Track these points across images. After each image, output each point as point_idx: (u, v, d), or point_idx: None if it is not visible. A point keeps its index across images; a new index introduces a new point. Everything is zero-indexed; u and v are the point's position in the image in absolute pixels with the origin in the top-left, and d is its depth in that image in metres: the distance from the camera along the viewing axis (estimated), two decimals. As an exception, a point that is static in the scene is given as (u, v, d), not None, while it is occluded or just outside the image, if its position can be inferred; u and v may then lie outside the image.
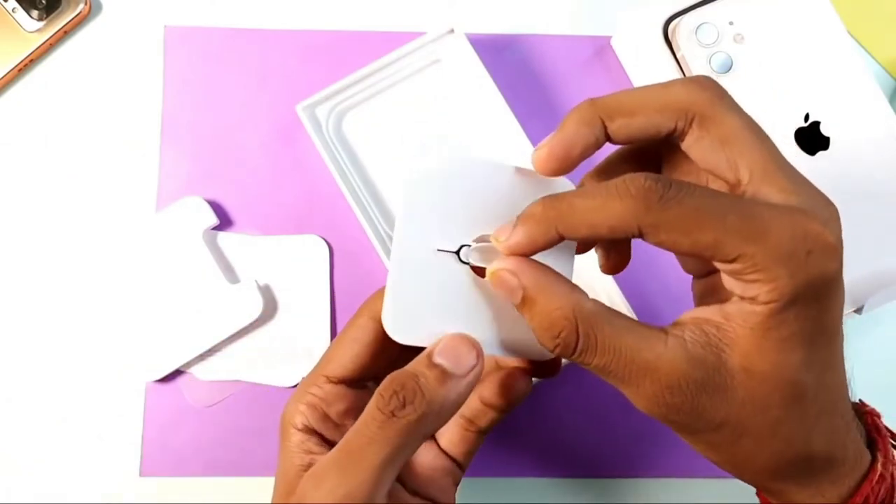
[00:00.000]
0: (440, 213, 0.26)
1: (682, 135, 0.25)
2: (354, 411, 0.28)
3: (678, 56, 0.40)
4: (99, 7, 0.44)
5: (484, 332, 0.26)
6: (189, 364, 0.41)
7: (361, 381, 0.29)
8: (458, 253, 0.26)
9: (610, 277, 0.40)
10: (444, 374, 0.25)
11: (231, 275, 0.42)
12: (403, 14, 0.45)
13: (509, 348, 0.27)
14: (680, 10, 0.41)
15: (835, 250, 0.23)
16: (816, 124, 0.40)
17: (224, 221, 0.42)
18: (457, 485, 0.31)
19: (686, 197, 0.22)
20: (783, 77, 0.40)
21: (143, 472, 0.41)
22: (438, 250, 0.26)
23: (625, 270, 0.42)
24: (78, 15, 0.43)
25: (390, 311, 0.26)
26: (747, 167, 0.24)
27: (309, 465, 0.27)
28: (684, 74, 0.40)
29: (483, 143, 0.42)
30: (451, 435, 0.31)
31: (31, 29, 0.42)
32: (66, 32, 0.43)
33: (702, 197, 0.22)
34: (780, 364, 0.23)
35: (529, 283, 0.24)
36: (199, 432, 0.41)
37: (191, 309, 0.41)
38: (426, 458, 0.30)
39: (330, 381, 0.29)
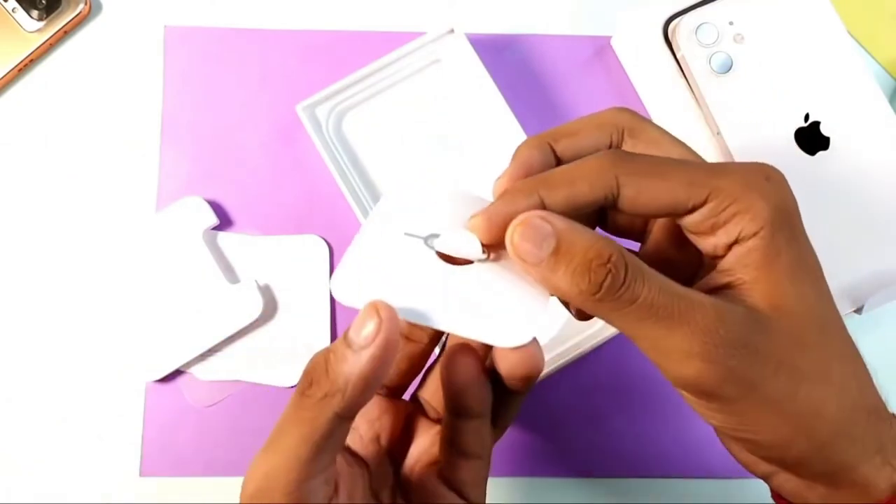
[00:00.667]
0: (414, 216, 0.27)
1: (618, 145, 0.27)
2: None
3: (678, 56, 0.40)
4: (99, 7, 0.44)
5: (438, 311, 0.26)
6: (189, 364, 0.41)
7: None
8: (425, 239, 0.27)
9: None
10: (348, 347, 0.24)
11: (231, 275, 0.42)
12: (403, 14, 0.45)
13: (481, 334, 0.26)
14: (680, 10, 0.41)
15: (784, 179, 0.24)
16: (816, 124, 0.40)
17: (224, 221, 0.42)
18: (485, 480, 0.31)
19: (651, 154, 0.25)
20: (783, 77, 0.40)
21: (143, 472, 0.41)
22: (406, 234, 0.27)
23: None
24: (78, 15, 0.43)
25: (341, 273, 0.26)
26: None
27: None
28: (684, 74, 0.40)
29: (483, 143, 0.42)
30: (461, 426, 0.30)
31: (31, 29, 0.42)
32: (66, 32, 0.43)
33: (665, 155, 0.25)
34: (800, 295, 0.23)
35: (563, 226, 0.23)
36: (199, 432, 0.41)
37: (191, 309, 0.41)
38: (437, 489, 0.30)
39: None
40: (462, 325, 0.25)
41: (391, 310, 0.24)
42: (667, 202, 0.23)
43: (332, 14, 0.45)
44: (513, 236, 0.23)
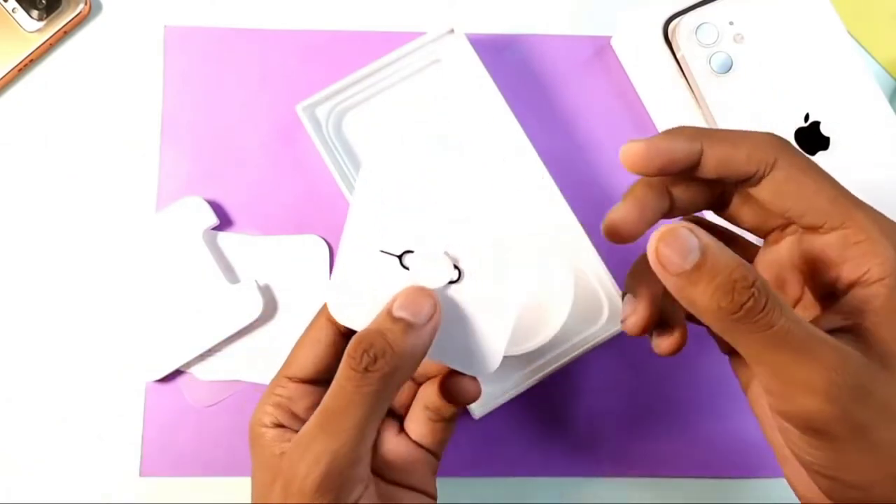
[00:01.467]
0: (394, 210, 0.27)
1: (761, 177, 0.26)
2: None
3: (678, 56, 0.40)
4: (99, 7, 0.44)
5: None
6: (189, 364, 0.41)
7: (324, 381, 0.30)
8: (400, 257, 0.27)
9: (607, 273, 0.40)
10: (408, 326, 0.26)
11: (231, 275, 0.42)
12: (403, 14, 0.45)
13: (440, 353, 0.28)
14: (680, 10, 0.41)
15: None
16: (816, 124, 0.40)
17: (224, 221, 0.42)
18: (435, 473, 0.32)
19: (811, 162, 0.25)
20: (783, 77, 0.40)
21: (143, 472, 0.41)
22: (381, 251, 0.27)
23: (624, 268, 0.42)
24: (78, 15, 0.43)
25: (334, 293, 0.27)
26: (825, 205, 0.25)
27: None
28: (684, 74, 0.40)
29: (483, 143, 0.42)
30: (419, 427, 0.31)
31: (31, 29, 0.42)
32: (66, 32, 0.43)
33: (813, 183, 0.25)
34: None
35: (709, 242, 0.23)
36: (199, 432, 0.41)
37: (191, 309, 0.41)
38: (401, 450, 0.31)
39: (293, 381, 0.29)
40: (433, 350, 0.27)
41: (437, 296, 0.26)
42: (809, 208, 0.24)
43: (332, 14, 0.45)
44: (658, 244, 0.23)
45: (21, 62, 0.42)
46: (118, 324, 0.41)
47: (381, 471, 0.30)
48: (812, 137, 0.40)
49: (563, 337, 0.41)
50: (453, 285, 0.27)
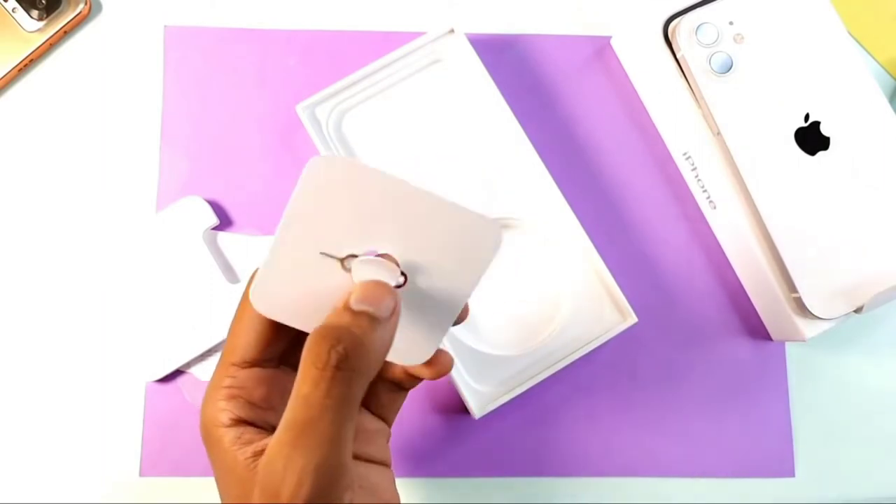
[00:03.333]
0: (336, 214, 0.26)
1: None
2: (280, 391, 0.28)
3: (678, 56, 0.40)
4: (99, 7, 0.44)
5: None
6: (189, 364, 0.41)
7: (270, 361, 0.28)
8: (342, 260, 0.26)
9: (607, 273, 0.40)
10: (373, 320, 0.24)
11: (231, 275, 0.42)
12: (403, 14, 0.45)
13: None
14: (680, 10, 0.41)
15: None
16: (816, 124, 0.40)
17: (224, 221, 0.42)
18: (388, 441, 0.31)
19: None
20: (783, 77, 0.40)
21: (143, 472, 0.41)
22: (322, 253, 0.26)
23: (624, 268, 0.43)
24: (78, 15, 0.43)
25: (259, 284, 0.26)
26: None
27: (256, 454, 0.26)
28: (684, 74, 0.40)
29: (483, 143, 0.42)
30: (376, 399, 0.31)
31: (31, 29, 0.42)
32: (66, 32, 0.43)
33: None
34: None
35: None
36: (199, 432, 0.41)
37: (191, 309, 0.41)
38: (359, 423, 0.30)
39: (241, 367, 0.28)
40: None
41: (395, 289, 0.25)
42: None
43: (332, 14, 0.45)
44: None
45: (21, 62, 0.42)
46: (118, 324, 0.41)
47: None
48: (812, 137, 0.40)
49: (564, 337, 0.41)
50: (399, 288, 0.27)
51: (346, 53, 0.44)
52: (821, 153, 0.40)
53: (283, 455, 0.23)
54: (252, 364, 0.28)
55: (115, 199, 0.43)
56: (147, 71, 0.44)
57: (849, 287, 0.39)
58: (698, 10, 0.40)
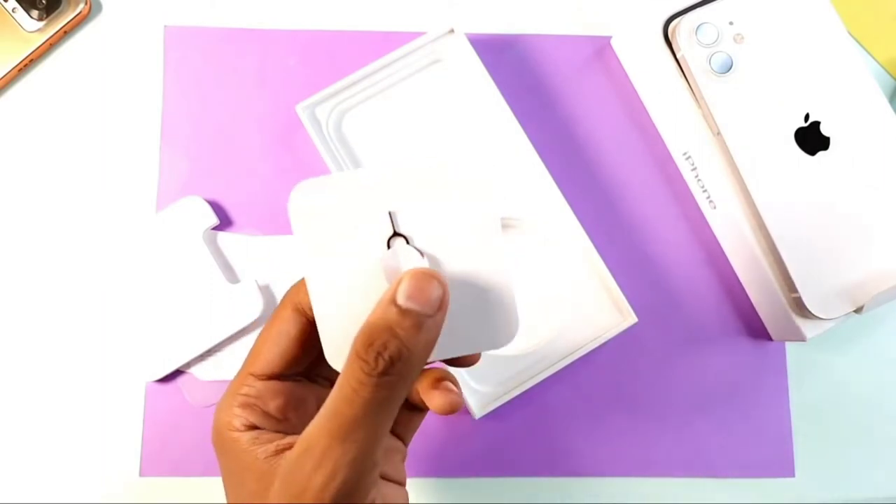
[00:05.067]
0: (431, 207, 0.25)
1: None
2: (295, 403, 0.28)
3: (678, 56, 0.40)
4: (99, 7, 0.44)
5: None
6: (189, 364, 0.41)
7: (292, 376, 0.29)
8: (394, 234, 0.25)
9: (607, 273, 0.40)
10: (418, 318, 0.24)
11: (231, 275, 0.42)
12: (403, 14, 0.45)
13: (451, 346, 0.27)
14: (680, 10, 0.41)
15: None
16: (816, 124, 0.40)
17: (224, 221, 0.42)
18: (405, 461, 0.31)
19: None
20: (783, 77, 0.40)
21: (143, 472, 0.41)
22: (389, 212, 0.25)
23: (624, 268, 0.43)
24: (78, 15, 0.43)
25: (328, 342, 0.26)
26: None
27: (279, 451, 0.26)
28: (684, 74, 0.40)
29: (483, 143, 0.42)
30: (398, 417, 0.30)
31: (31, 29, 0.42)
32: (66, 32, 0.43)
33: None
34: None
35: None
36: (199, 432, 0.41)
37: (191, 309, 0.41)
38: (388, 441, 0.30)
39: (259, 378, 0.28)
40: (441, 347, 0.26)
41: (436, 271, 0.25)
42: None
43: (332, 14, 0.45)
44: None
45: (21, 62, 0.42)
46: (118, 324, 0.41)
47: None
48: (812, 137, 0.40)
49: (564, 337, 0.41)
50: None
51: (346, 53, 0.44)
52: (821, 153, 0.40)
53: (321, 444, 0.24)
54: (272, 377, 0.28)
55: (115, 199, 0.43)
56: (147, 71, 0.44)
57: (849, 287, 0.39)
58: (698, 10, 0.40)
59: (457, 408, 0.28)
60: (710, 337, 0.43)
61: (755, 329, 0.43)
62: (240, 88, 0.43)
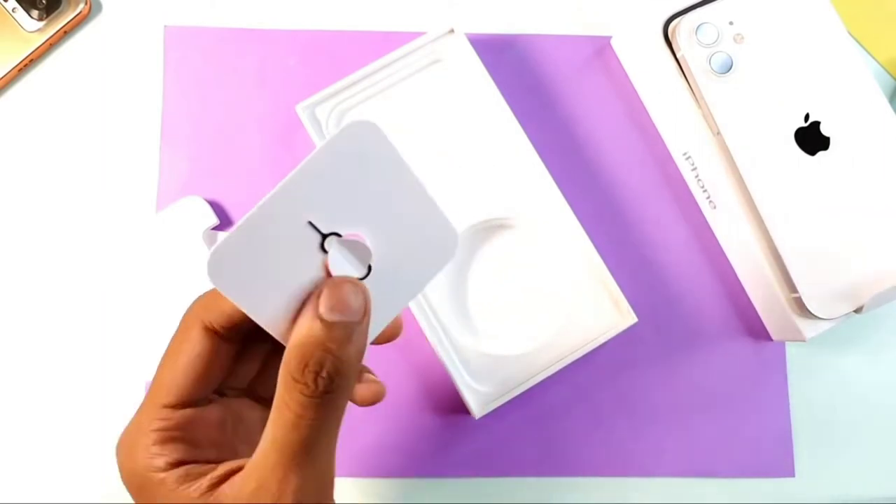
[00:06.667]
0: (341, 186, 0.24)
1: None
2: (218, 425, 0.26)
3: (678, 56, 0.40)
4: (99, 7, 0.44)
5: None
6: (189, 364, 0.41)
7: (204, 399, 0.27)
8: (322, 238, 0.24)
9: (607, 273, 0.40)
10: (347, 329, 0.23)
11: (231, 275, 0.42)
12: (403, 14, 0.45)
13: None
14: (680, 10, 0.41)
15: None
16: (816, 124, 0.40)
17: (224, 221, 0.42)
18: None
19: None
20: (783, 77, 0.40)
21: (143, 472, 0.41)
22: (309, 223, 0.24)
23: (624, 268, 0.43)
24: (78, 15, 0.43)
25: (221, 251, 0.23)
26: None
27: (213, 486, 0.24)
28: (684, 74, 0.40)
29: (483, 143, 0.42)
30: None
31: (31, 29, 0.42)
32: (66, 32, 0.43)
33: None
34: None
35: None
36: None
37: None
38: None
39: (176, 408, 0.26)
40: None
41: (353, 277, 0.24)
42: None
43: (332, 14, 0.45)
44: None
45: (21, 62, 0.42)
46: (118, 324, 0.41)
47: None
48: (812, 137, 0.40)
49: (564, 337, 0.41)
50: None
51: (346, 53, 0.44)
52: (821, 153, 0.40)
53: (276, 476, 0.23)
54: (188, 405, 0.26)
55: (115, 199, 0.43)
56: (147, 71, 0.44)
57: (849, 287, 0.39)
58: (698, 10, 0.40)
59: (381, 397, 0.27)
60: (710, 337, 0.43)
61: (755, 329, 0.43)
62: (240, 88, 0.43)
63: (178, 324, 0.27)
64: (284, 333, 0.24)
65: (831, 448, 0.43)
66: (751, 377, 0.43)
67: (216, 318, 0.26)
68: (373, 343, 0.26)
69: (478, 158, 0.42)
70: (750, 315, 0.43)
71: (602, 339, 0.40)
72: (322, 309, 0.23)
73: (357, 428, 0.41)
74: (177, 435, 0.25)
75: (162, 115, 0.43)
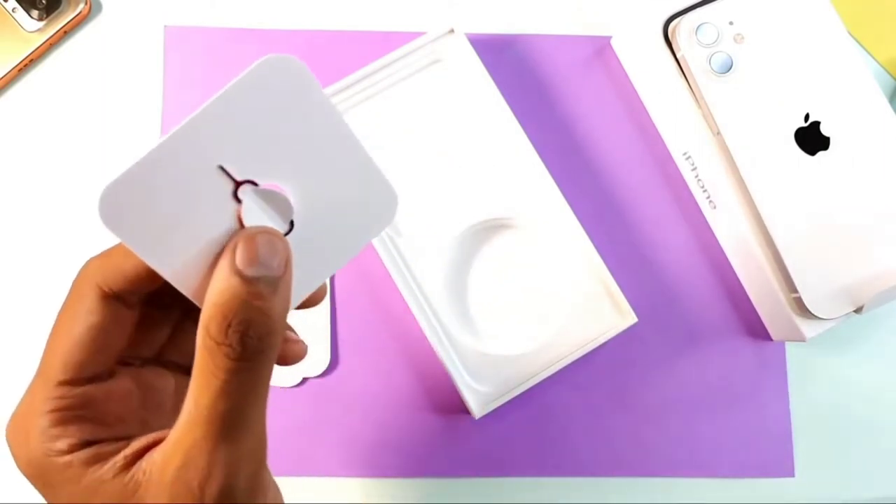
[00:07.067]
0: (255, 128, 0.22)
1: None
2: (131, 396, 0.24)
3: (678, 56, 0.40)
4: (99, 7, 0.44)
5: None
6: (189, 364, 0.41)
7: (106, 372, 0.24)
8: (238, 186, 0.22)
9: (607, 273, 0.40)
10: (270, 284, 0.21)
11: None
12: (403, 14, 0.45)
13: None
14: (680, 10, 0.41)
15: None
16: (816, 124, 0.40)
17: (224, 221, 0.42)
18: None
19: None
20: (783, 77, 0.40)
21: (143, 472, 0.41)
22: (219, 167, 0.21)
23: (624, 268, 0.43)
24: (78, 15, 0.43)
25: (117, 188, 0.21)
26: None
27: (128, 464, 0.21)
28: (684, 74, 0.40)
29: (483, 143, 0.42)
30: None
31: (31, 29, 0.42)
32: (66, 32, 0.43)
33: None
34: None
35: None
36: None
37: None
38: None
39: (76, 384, 0.22)
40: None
41: (271, 227, 0.22)
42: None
43: (332, 14, 0.45)
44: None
45: (21, 62, 0.42)
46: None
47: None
48: (812, 137, 0.40)
49: (563, 337, 0.41)
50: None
51: (346, 53, 0.44)
52: (821, 153, 0.40)
53: (205, 451, 0.21)
54: (87, 380, 0.23)
55: (115, 199, 0.43)
56: (147, 71, 0.44)
57: (849, 287, 0.39)
58: (698, 10, 0.40)
59: (303, 355, 0.25)
60: (710, 337, 0.43)
61: (755, 329, 0.43)
62: (240, 88, 0.43)
63: (69, 288, 0.23)
64: (196, 291, 0.22)
65: (831, 448, 0.43)
66: (751, 377, 0.43)
67: (114, 280, 0.23)
68: (296, 308, 0.24)
69: (478, 158, 0.42)
70: (750, 315, 0.43)
71: (602, 339, 0.40)
72: (239, 262, 0.21)
73: (357, 428, 0.41)
74: (78, 414, 0.22)
75: (162, 115, 0.43)
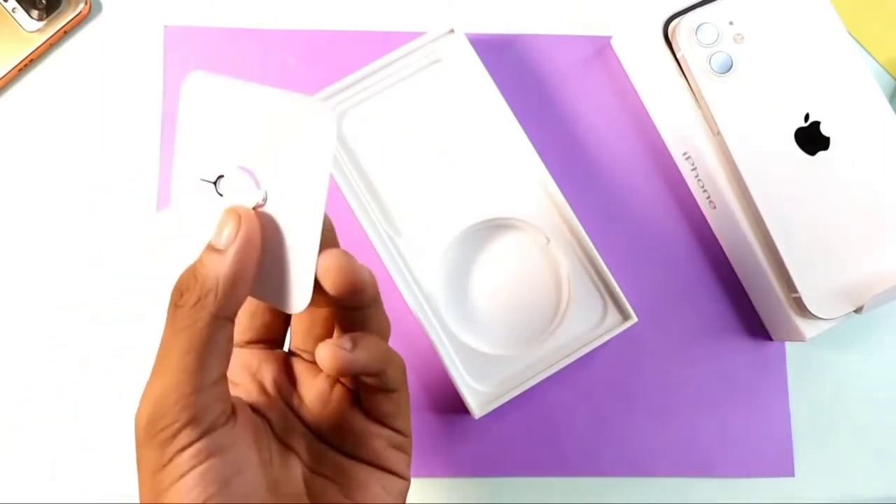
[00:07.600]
0: (210, 134, 0.26)
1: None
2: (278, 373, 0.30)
3: (678, 56, 0.40)
4: (99, 7, 0.44)
5: None
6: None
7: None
8: (215, 183, 0.26)
9: (607, 273, 0.40)
10: (211, 251, 0.25)
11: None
12: (403, 14, 0.45)
13: (259, 290, 0.27)
14: (680, 10, 0.41)
15: None
16: (816, 124, 0.40)
17: (224, 221, 0.42)
18: (399, 448, 0.30)
19: None
20: (783, 77, 0.40)
21: (143, 472, 0.41)
22: (201, 180, 0.26)
23: (624, 268, 0.43)
24: (78, 15, 0.43)
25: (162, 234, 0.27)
26: None
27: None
28: (684, 74, 0.40)
29: (483, 143, 0.42)
30: (368, 401, 0.30)
31: (31, 29, 0.42)
32: (66, 32, 0.43)
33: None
34: None
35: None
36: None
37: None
38: (349, 421, 0.29)
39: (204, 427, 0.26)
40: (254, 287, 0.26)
41: (248, 211, 0.25)
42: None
43: (332, 14, 0.45)
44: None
45: (21, 62, 0.42)
46: (118, 324, 0.41)
47: (333, 440, 0.29)
48: (812, 137, 0.40)
49: (564, 337, 0.41)
50: (267, 211, 0.26)
51: (346, 53, 0.44)
52: (821, 153, 0.40)
53: (145, 388, 0.25)
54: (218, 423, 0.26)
55: (115, 199, 0.43)
56: (147, 71, 0.44)
57: (849, 287, 0.39)
58: (698, 10, 0.40)
59: (340, 364, 0.27)
60: (710, 337, 0.43)
61: (755, 329, 0.43)
62: (240, 88, 0.43)
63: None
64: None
65: (831, 448, 0.43)
66: (751, 377, 0.43)
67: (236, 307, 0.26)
68: (336, 297, 0.26)
69: (478, 158, 0.42)
70: (750, 315, 0.43)
71: (602, 339, 0.40)
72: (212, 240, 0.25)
73: (357, 428, 0.41)
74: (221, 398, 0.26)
75: (162, 116, 0.43)
